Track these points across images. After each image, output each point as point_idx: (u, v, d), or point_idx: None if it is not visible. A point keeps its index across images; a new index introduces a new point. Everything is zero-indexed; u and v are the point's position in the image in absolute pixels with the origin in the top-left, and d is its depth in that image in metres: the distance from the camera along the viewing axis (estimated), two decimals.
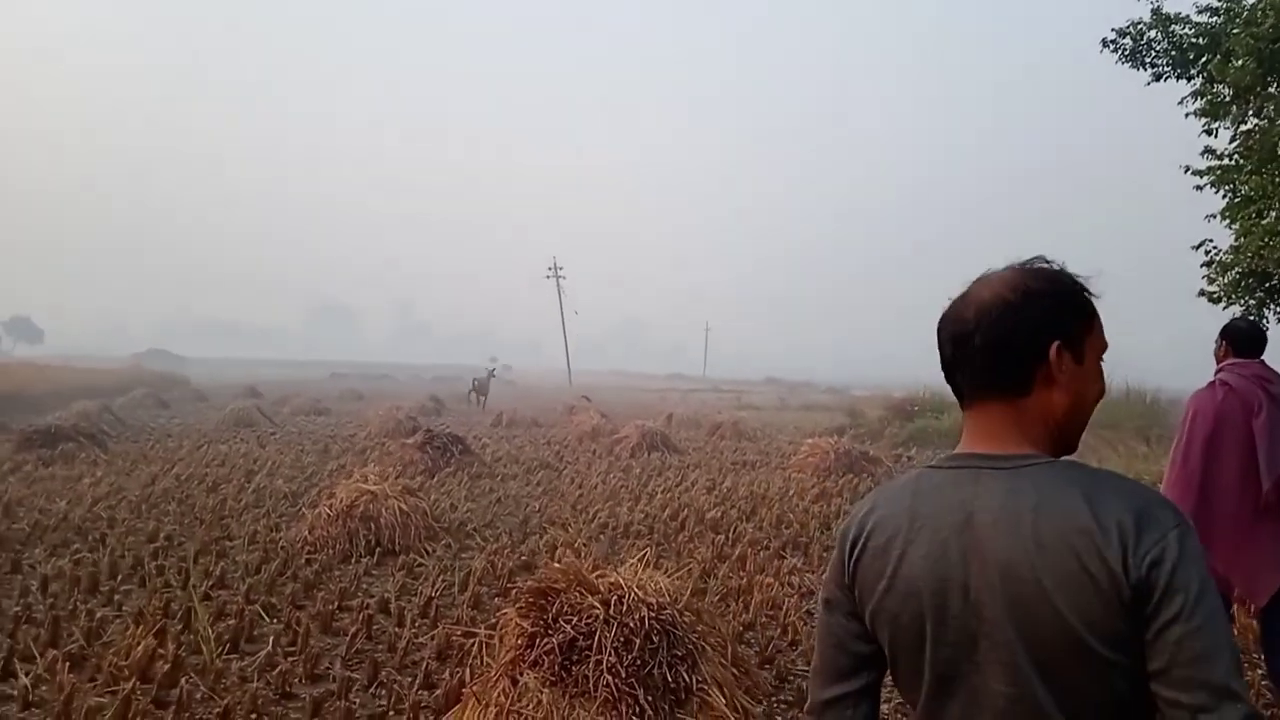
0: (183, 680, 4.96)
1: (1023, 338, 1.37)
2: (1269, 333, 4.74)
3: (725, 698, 4.68)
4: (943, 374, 1.48)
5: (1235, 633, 4.75)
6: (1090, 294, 1.44)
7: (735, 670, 5.04)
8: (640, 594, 4.89)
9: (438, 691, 4.97)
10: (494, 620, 5.90)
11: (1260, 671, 5.17)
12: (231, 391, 35.78)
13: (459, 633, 5.86)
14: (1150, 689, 1.23)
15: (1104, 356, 1.46)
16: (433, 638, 5.87)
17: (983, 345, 1.39)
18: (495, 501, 11.49)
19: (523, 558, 8.14)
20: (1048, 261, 1.44)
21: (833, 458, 14.71)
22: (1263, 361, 4.51)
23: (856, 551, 1.47)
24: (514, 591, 6.78)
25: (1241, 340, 4.56)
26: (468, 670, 5.04)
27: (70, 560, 7.60)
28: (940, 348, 1.47)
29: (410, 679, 5.20)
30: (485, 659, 5.12)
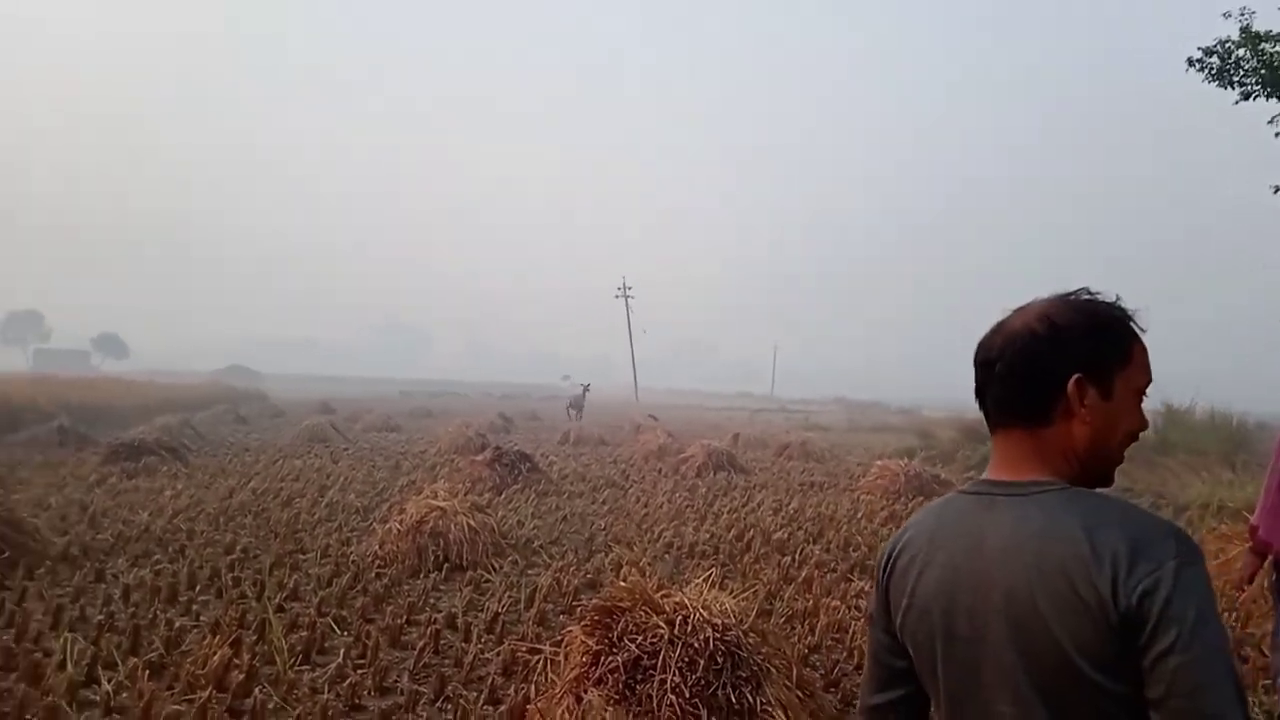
0: (256, 690, 5.07)
1: (1041, 369, 1.40)
2: None
3: (789, 719, 4.64)
4: (976, 398, 1.52)
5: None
6: (1135, 327, 1.44)
7: (800, 693, 4.99)
8: (705, 614, 4.87)
9: (503, 707, 5.01)
10: (559, 637, 5.94)
11: None
12: (306, 408, 36.61)
13: (524, 649, 5.90)
14: (1148, 717, 1.24)
15: (1147, 390, 1.46)
16: (498, 654, 5.91)
17: (1004, 374, 1.44)
18: (561, 519, 11.55)
19: (588, 575, 8.17)
20: (1092, 293, 1.45)
21: (903, 480, 14.48)
22: None
23: (889, 570, 1.56)
24: (579, 609, 6.82)
25: None
26: (533, 687, 5.07)
27: (151, 570, 7.84)
28: (976, 370, 1.50)
29: (476, 694, 5.24)
30: (550, 676, 5.15)
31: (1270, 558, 4.42)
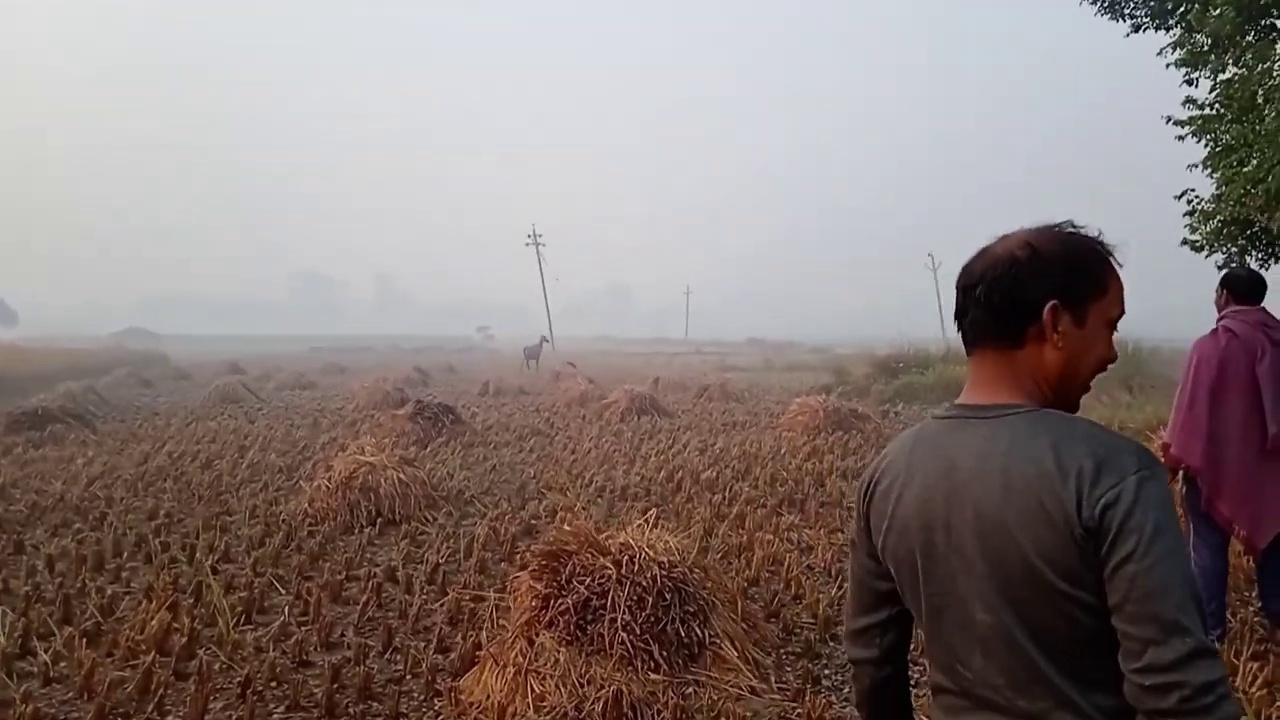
0: (200, 652, 5.02)
1: (1019, 293, 1.45)
2: (1264, 279, 4.83)
3: (737, 650, 4.80)
4: (954, 321, 1.56)
5: (1227, 571, 4.89)
6: (1114, 261, 1.50)
7: (744, 624, 5.15)
8: (650, 553, 4.98)
9: (453, 655, 5.05)
10: (502, 584, 6.00)
11: (1253, 608, 5.32)
12: (213, 369, 35.55)
13: (469, 597, 5.95)
14: (1109, 622, 1.31)
15: (1119, 322, 1.51)
16: (442, 604, 5.94)
17: (983, 297, 1.47)
18: (491, 469, 11.55)
19: (523, 523, 8.22)
20: (1076, 226, 1.50)
21: (822, 416, 14.82)
22: (1264, 308, 4.60)
23: (869, 496, 1.62)
24: (519, 556, 6.89)
25: (1242, 288, 4.66)
26: (483, 633, 5.12)
27: (73, 540, 7.62)
28: (956, 296, 1.55)
29: (424, 644, 5.27)
30: (499, 622, 5.21)
31: (1181, 473, 4.69)
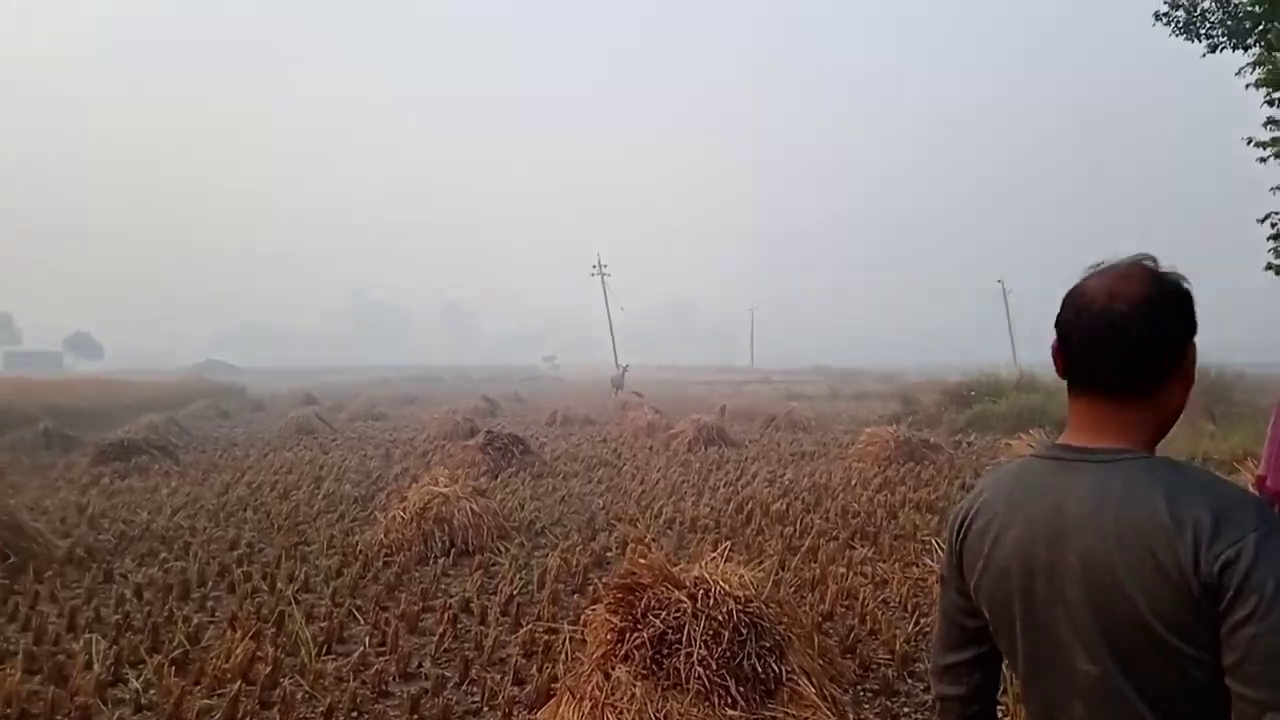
0: (284, 681, 5.13)
1: (1165, 334, 1.41)
2: None
3: (815, 687, 4.74)
4: (1060, 360, 1.50)
5: None
6: None
7: (821, 660, 5.10)
8: (726, 587, 4.96)
9: (528, 687, 5.08)
10: (575, 616, 6.03)
11: None
12: (287, 399, 36.46)
13: (543, 629, 5.99)
14: (1224, 682, 1.27)
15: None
16: (517, 636, 5.98)
17: (1133, 346, 1.40)
18: (560, 500, 11.63)
19: (594, 555, 8.25)
20: (1154, 260, 1.46)
21: (893, 446, 14.64)
22: None
23: (963, 533, 1.59)
24: (593, 588, 6.91)
25: None
26: (560, 666, 5.14)
27: (160, 569, 7.86)
28: (1069, 337, 1.47)
29: (500, 675, 5.32)
30: (574, 655, 5.23)
31: (1278, 506, 4.54)
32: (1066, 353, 1.49)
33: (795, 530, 9.23)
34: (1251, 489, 4.72)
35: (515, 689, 5.12)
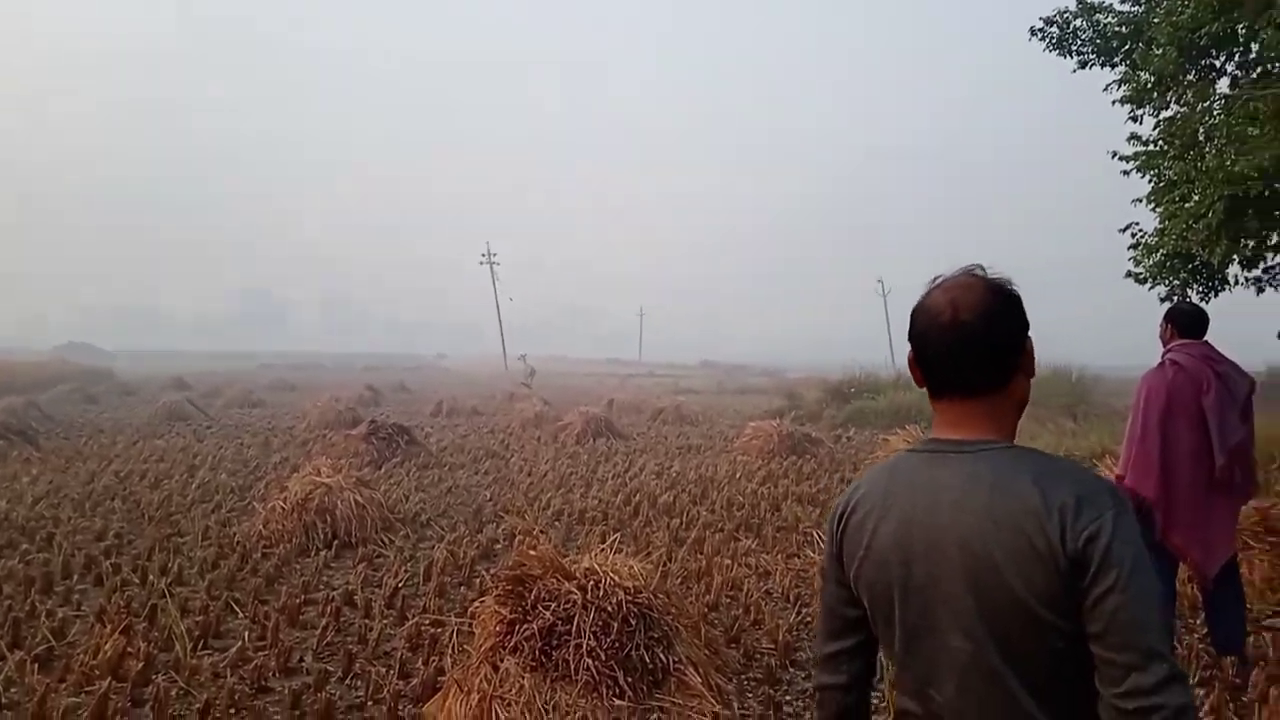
0: (157, 678, 4.95)
1: (1009, 331, 1.58)
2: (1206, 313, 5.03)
3: (700, 676, 4.83)
4: (917, 371, 1.65)
5: (1175, 596, 5.04)
6: None
7: (707, 650, 5.20)
8: (615, 578, 5.01)
9: (414, 681, 5.03)
10: (463, 609, 5.99)
11: (1198, 635, 5.47)
12: (158, 384, 34.89)
13: (429, 622, 5.93)
14: (1088, 649, 1.42)
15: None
16: (403, 629, 5.91)
17: (979, 354, 1.56)
18: (446, 491, 11.50)
19: (481, 547, 8.19)
20: (982, 269, 1.63)
21: (776, 440, 14.97)
22: (1207, 342, 4.79)
23: (842, 526, 1.69)
24: (480, 580, 6.88)
25: (1187, 322, 4.84)
26: (447, 659, 5.10)
27: (20, 560, 7.45)
28: (924, 350, 1.63)
29: (385, 669, 5.24)
30: (461, 647, 5.20)
31: (1136, 505, 4.84)
32: (924, 364, 1.63)
33: (682, 522, 9.35)
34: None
35: (401, 683, 5.05)
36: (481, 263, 74.26)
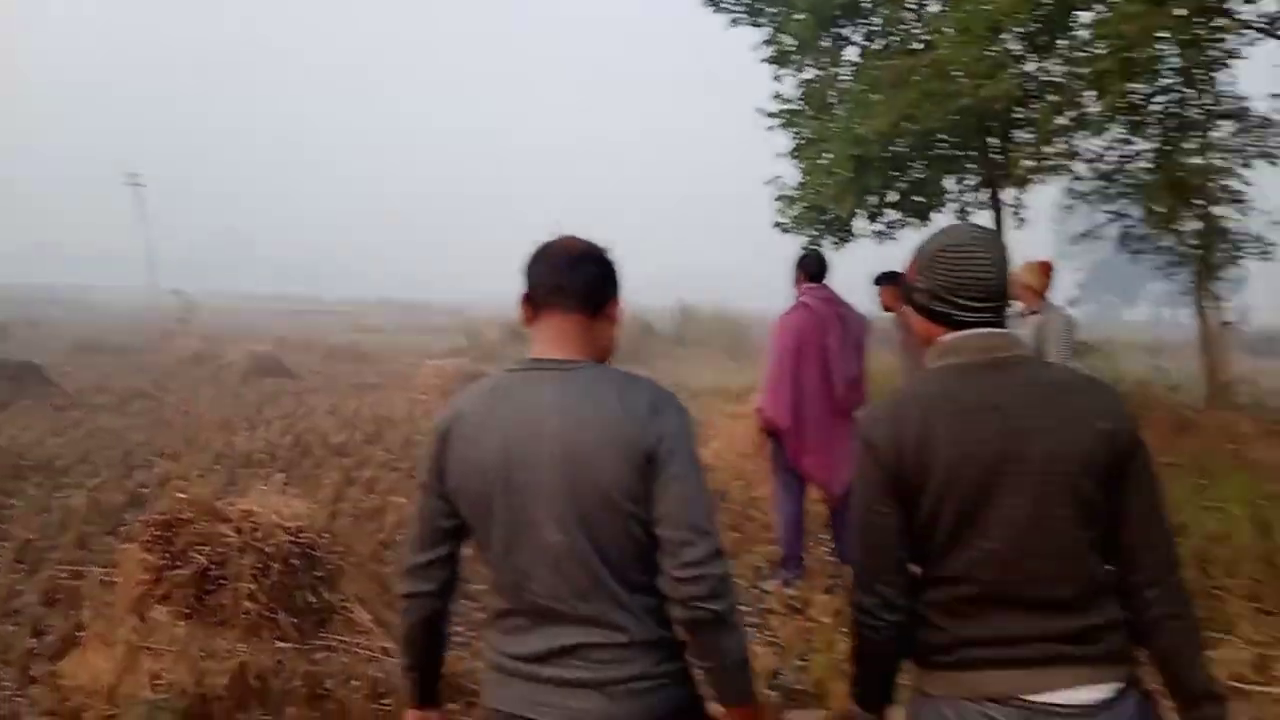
0: None
1: (605, 278, 1.89)
2: (828, 260, 5.68)
3: (370, 614, 4.85)
4: (527, 304, 1.88)
5: (804, 514, 5.65)
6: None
7: (377, 587, 5.22)
8: (276, 519, 4.87)
9: (50, 638, 4.64)
10: (107, 559, 5.57)
11: (825, 549, 6.17)
12: None
13: (67, 575, 5.47)
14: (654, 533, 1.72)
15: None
16: (35, 582, 5.39)
17: (586, 273, 1.85)
18: (87, 435, 10.48)
19: (130, 493, 7.60)
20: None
21: (455, 379, 15.00)
22: (828, 286, 5.42)
23: (444, 441, 1.85)
24: (126, 529, 6.40)
25: (814, 269, 5.46)
26: (85, 612, 4.74)
27: None
28: (539, 274, 1.87)
29: (15, 627, 4.78)
30: (104, 599, 4.85)
31: (771, 433, 5.41)
32: (535, 283, 1.86)
33: (355, 462, 9.18)
34: (756, 417, 5.59)
35: (34, 641, 4.63)
36: (125, 184, 66.76)
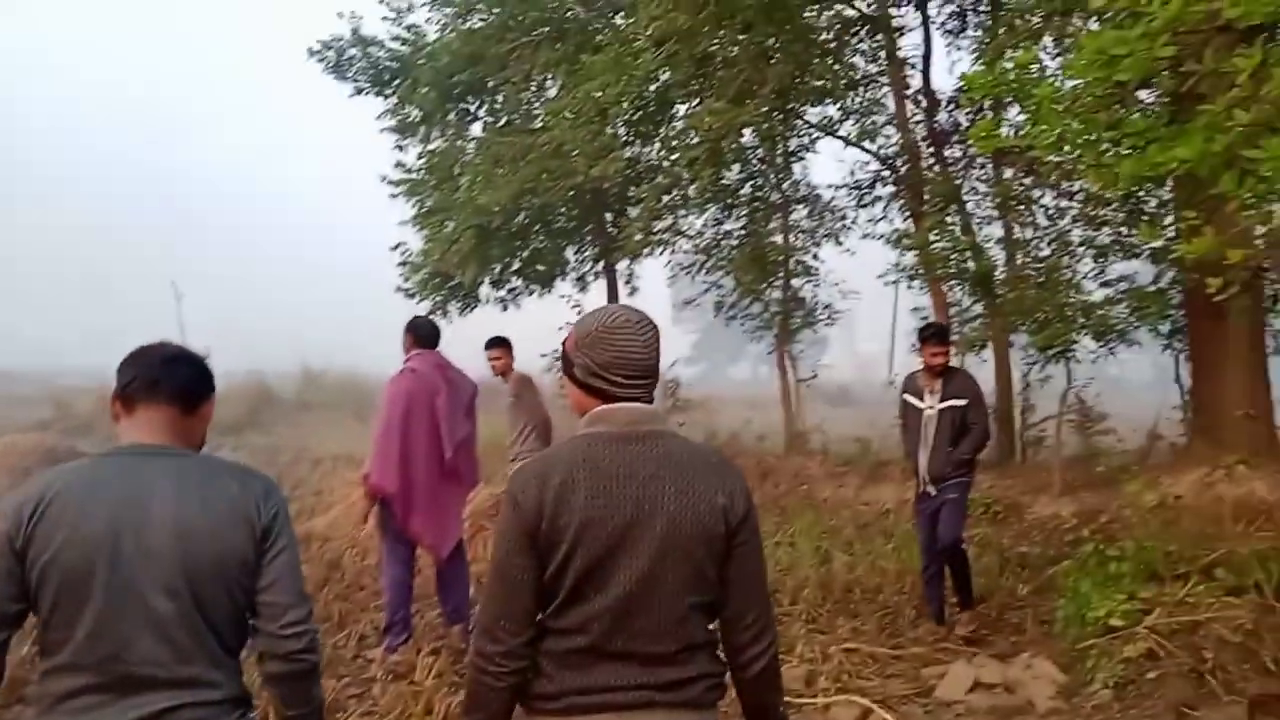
0: None
1: (206, 379, 2.10)
2: (454, 326, 5.81)
3: None
4: (121, 387, 2.01)
5: (413, 578, 5.58)
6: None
7: None
8: None
9: None
10: None
11: (435, 612, 5.95)
12: None
13: None
14: (255, 598, 1.93)
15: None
16: None
17: (185, 372, 2.05)
18: None
19: None
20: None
21: (36, 456, 13.24)
22: (440, 351, 5.53)
23: (35, 520, 1.83)
24: None
25: (423, 333, 5.54)
26: None
27: None
28: (134, 369, 2.01)
29: None
30: None
31: (379, 499, 5.35)
32: (130, 385, 2.00)
33: None
34: (362, 483, 5.52)
35: None
36: None
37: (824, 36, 10.82)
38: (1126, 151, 4.31)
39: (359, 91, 12.86)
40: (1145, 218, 8.70)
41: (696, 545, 1.87)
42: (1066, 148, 4.60)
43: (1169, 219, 8.63)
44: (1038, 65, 5.35)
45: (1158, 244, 7.80)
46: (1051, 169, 7.27)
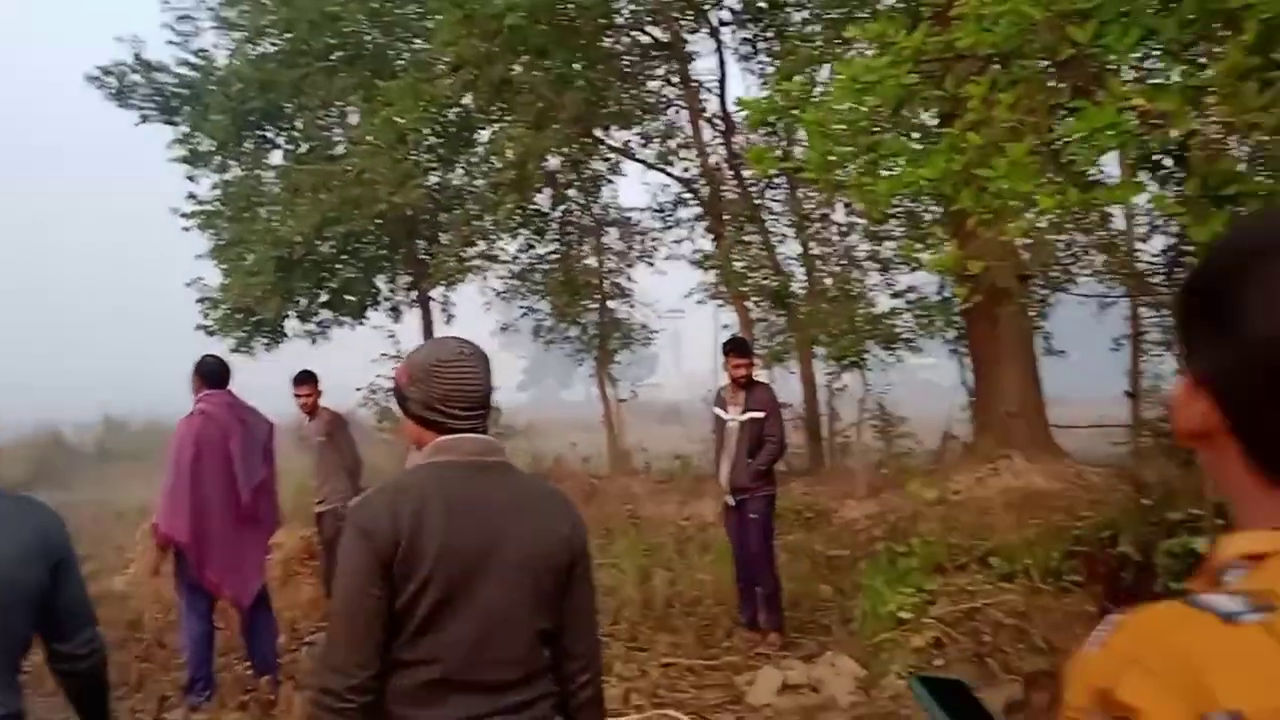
0: None
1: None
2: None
3: None
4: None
5: (214, 630, 5.35)
6: None
7: None
8: None
9: None
10: None
11: (246, 664, 5.83)
12: None
13: None
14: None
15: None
16: None
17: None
18: None
19: None
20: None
21: None
22: (230, 391, 5.28)
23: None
24: None
25: (211, 373, 5.28)
26: None
27: None
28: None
29: None
30: None
31: (171, 549, 5.10)
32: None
33: None
34: (152, 533, 5.24)
35: None
36: None
37: (622, 62, 11.09)
38: (884, 172, 4.61)
39: (144, 119, 12.18)
40: (920, 231, 9.31)
41: (544, 574, 1.95)
42: (836, 170, 4.89)
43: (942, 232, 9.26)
44: (820, 89, 5.64)
45: (925, 257, 8.34)
46: (829, 188, 7.76)
